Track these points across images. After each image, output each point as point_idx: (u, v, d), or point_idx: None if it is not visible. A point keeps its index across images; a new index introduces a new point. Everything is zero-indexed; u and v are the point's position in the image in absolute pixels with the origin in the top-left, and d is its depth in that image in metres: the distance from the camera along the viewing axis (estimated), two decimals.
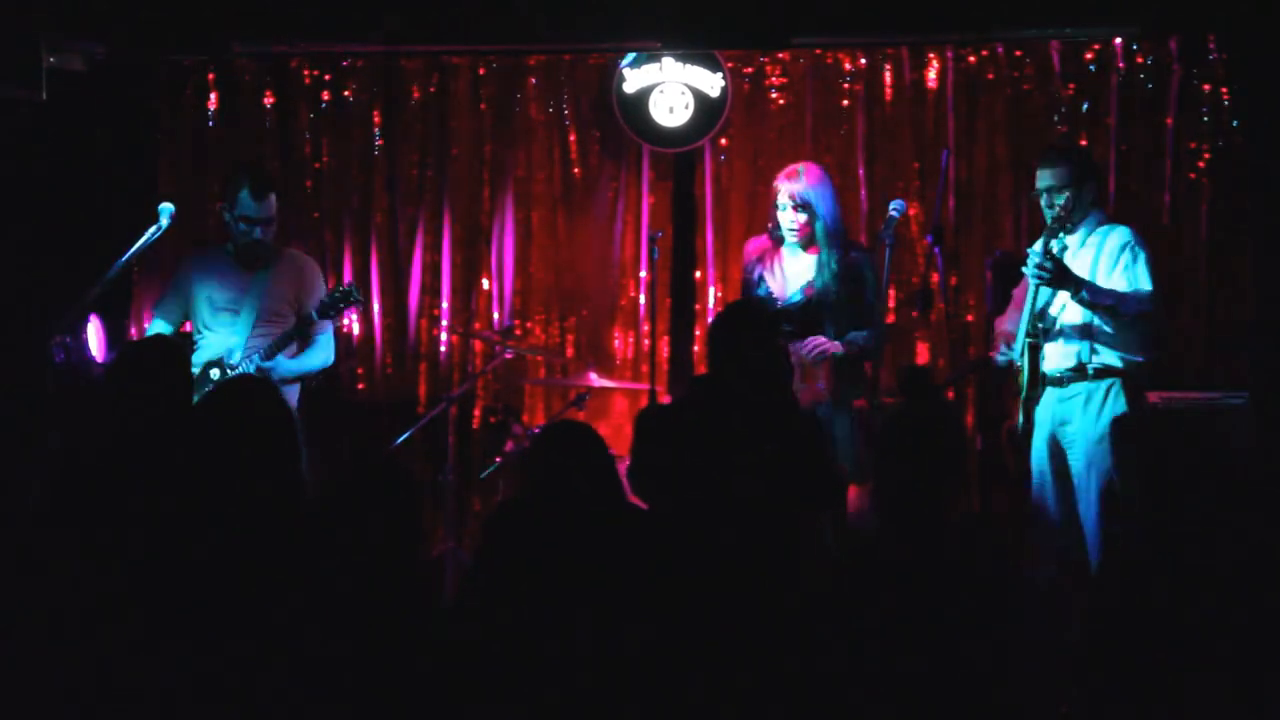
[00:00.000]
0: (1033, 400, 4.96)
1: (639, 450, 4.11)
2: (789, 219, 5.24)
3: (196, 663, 3.04)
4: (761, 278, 5.32)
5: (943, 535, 3.12)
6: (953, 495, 3.16)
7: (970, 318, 6.43)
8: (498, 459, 6.18)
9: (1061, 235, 4.90)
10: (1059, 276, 4.80)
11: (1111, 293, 4.81)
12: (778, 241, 5.33)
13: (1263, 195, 6.11)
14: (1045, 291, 4.91)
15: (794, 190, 5.22)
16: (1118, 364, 4.86)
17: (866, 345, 5.20)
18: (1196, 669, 3.02)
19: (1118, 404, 4.83)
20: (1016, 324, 5.01)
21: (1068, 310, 4.90)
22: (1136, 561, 3.22)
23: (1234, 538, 3.17)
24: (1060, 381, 4.92)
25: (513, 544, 3.35)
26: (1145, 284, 4.84)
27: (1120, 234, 4.93)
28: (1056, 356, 4.93)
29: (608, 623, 3.20)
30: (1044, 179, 4.96)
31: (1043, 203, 4.96)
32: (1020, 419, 4.98)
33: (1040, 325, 4.93)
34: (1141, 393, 4.96)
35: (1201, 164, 6.26)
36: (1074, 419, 4.89)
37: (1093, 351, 4.87)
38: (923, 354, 6.46)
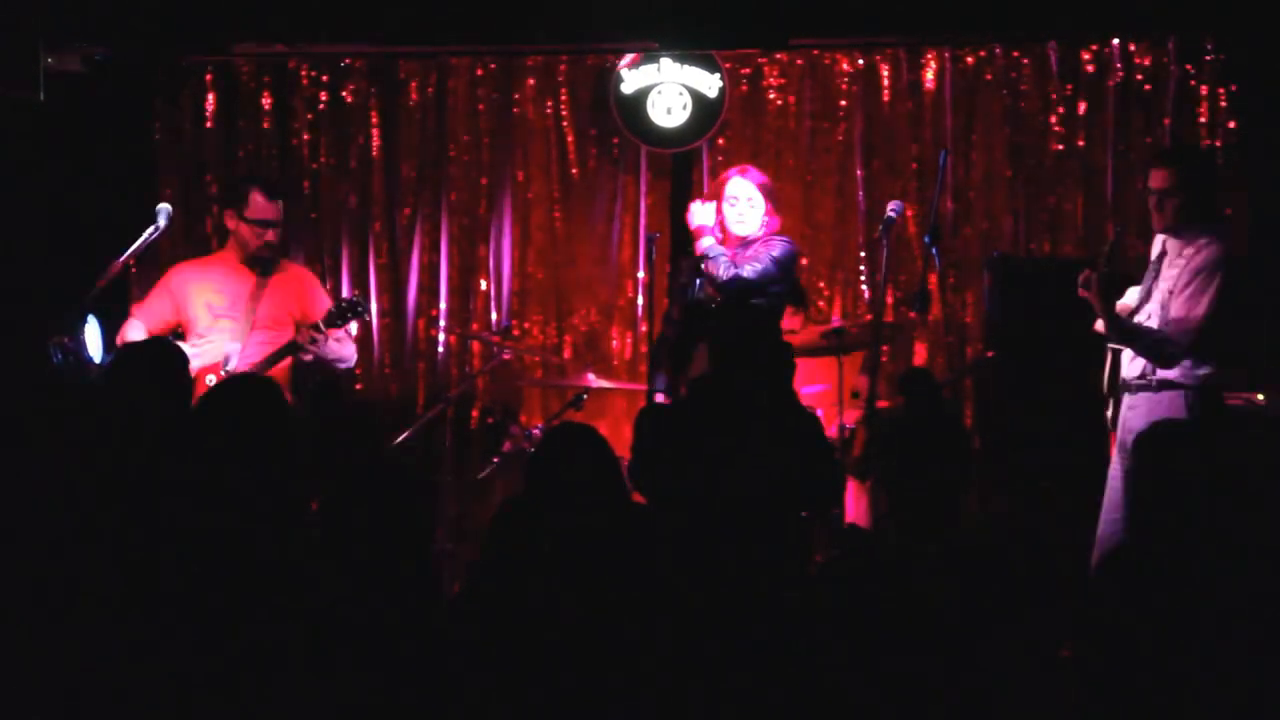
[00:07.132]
0: (1115, 404, 4.79)
1: (639, 448, 4.12)
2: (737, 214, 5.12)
3: (199, 663, 3.04)
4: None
5: (951, 536, 3.12)
6: (962, 495, 3.16)
7: (968, 318, 6.43)
8: (495, 459, 6.18)
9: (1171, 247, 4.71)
10: (1096, 295, 4.60)
11: (1132, 330, 4.63)
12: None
13: (1263, 195, 6.11)
14: (1128, 295, 4.77)
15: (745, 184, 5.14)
16: (1178, 378, 4.62)
17: None
18: (1196, 669, 3.02)
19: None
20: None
21: (1148, 318, 4.71)
22: (1135, 562, 3.22)
23: (1235, 538, 3.17)
24: (1130, 388, 4.74)
25: (517, 541, 3.35)
26: (1196, 310, 4.57)
27: (1205, 255, 4.60)
28: (1129, 363, 4.75)
29: (608, 620, 3.20)
30: (1153, 179, 4.68)
31: (1151, 204, 4.71)
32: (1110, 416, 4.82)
33: None
34: (1211, 408, 4.65)
35: None
36: (1136, 429, 4.68)
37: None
38: (921, 354, 6.47)
